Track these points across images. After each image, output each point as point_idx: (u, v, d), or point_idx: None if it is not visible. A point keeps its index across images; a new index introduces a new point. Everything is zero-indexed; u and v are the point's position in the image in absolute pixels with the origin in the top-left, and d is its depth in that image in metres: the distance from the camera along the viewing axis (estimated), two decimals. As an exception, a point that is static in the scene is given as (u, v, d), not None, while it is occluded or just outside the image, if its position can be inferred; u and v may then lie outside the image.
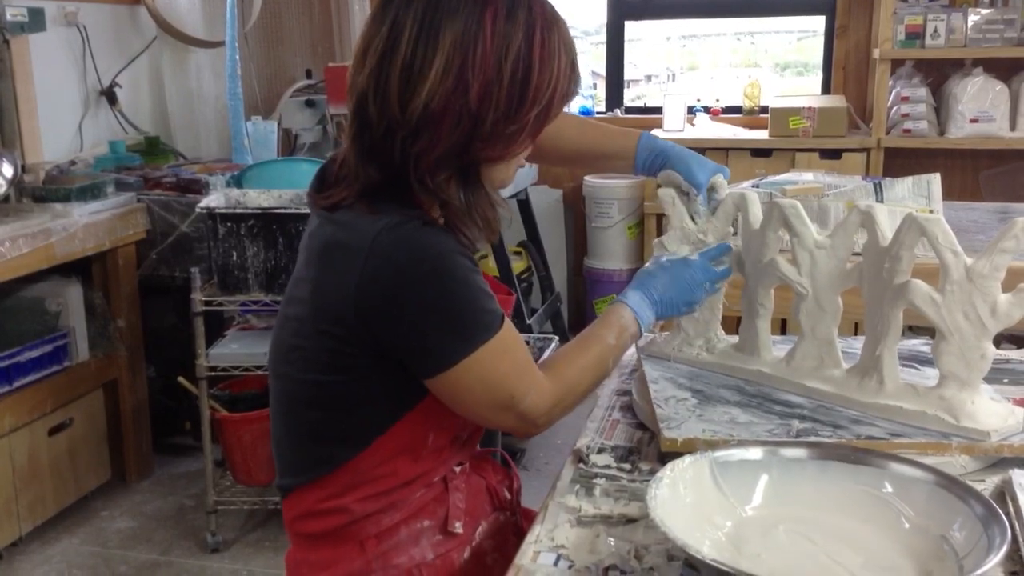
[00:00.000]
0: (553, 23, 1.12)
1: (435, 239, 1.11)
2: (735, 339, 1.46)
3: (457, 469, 1.28)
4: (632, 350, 1.46)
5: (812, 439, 1.19)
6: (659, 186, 1.47)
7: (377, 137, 1.12)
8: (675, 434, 1.23)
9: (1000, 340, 2.06)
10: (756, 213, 1.39)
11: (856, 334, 1.98)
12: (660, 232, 2.29)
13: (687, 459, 1.07)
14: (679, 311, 1.37)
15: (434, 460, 1.23)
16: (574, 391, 1.24)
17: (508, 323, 1.16)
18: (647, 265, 1.41)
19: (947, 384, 1.22)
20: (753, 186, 2.34)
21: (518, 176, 3.78)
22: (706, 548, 0.93)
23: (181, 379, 2.93)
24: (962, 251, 1.17)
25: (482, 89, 1.06)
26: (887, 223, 1.26)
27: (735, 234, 1.44)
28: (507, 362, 1.15)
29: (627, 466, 1.25)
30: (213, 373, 2.81)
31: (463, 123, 1.08)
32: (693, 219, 1.42)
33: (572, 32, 1.17)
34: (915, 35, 3.78)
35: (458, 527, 1.26)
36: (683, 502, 1.02)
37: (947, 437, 1.19)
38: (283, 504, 1.27)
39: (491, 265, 3.81)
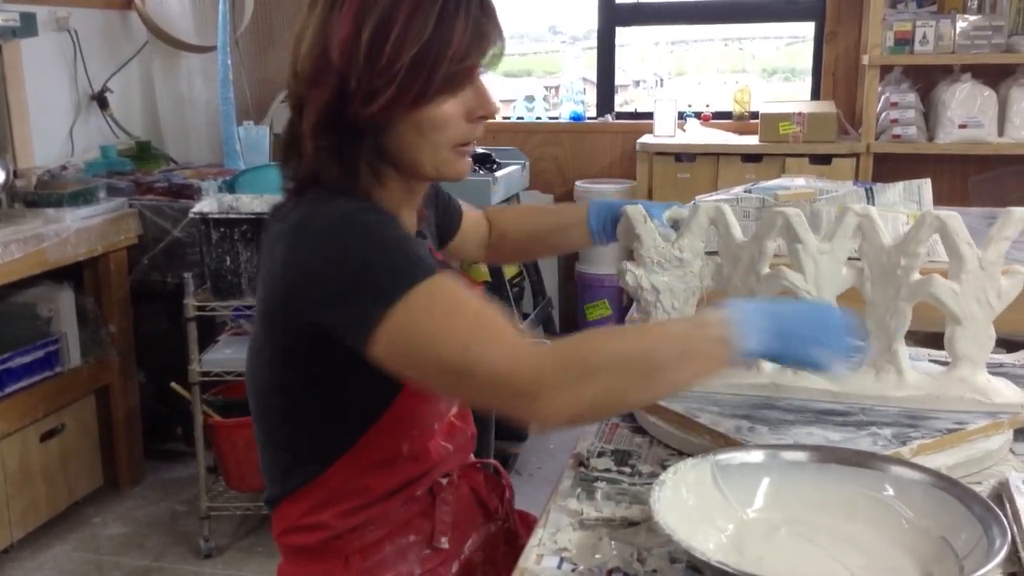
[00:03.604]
0: None
1: (338, 205, 1.08)
2: None
3: (444, 481, 1.27)
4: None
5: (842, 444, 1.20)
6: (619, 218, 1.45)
7: (292, 117, 1.15)
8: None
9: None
10: (735, 224, 1.39)
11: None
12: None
13: (688, 462, 1.08)
14: (803, 355, 1.06)
15: (414, 471, 1.21)
16: (587, 366, 0.98)
17: (447, 276, 1.04)
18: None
19: (962, 366, 1.30)
20: (745, 191, 2.36)
21: (509, 181, 3.81)
22: (708, 551, 0.93)
23: (174, 384, 2.92)
24: (974, 243, 1.27)
25: (341, 46, 1.07)
26: (882, 225, 1.31)
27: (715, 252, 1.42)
28: (445, 309, 1.00)
29: (627, 469, 1.26)
30: (206, 378, 2.80)
31: (330, 83, 1.08)
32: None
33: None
34: (904, 41, 3.80)
35: (444, 542, 1.24)
36: (685, 505, 1.03)
37: (993, 415, 1.26)
38: (273, 516, 1.26)
39: (483, 270, 3.82)
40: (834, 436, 1.21)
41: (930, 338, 1.51)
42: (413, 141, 1.11)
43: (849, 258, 1.34)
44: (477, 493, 1.34)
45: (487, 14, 1.10)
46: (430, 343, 0.99)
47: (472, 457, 1.38)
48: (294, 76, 1.12)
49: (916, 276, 1.29)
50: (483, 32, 1.09)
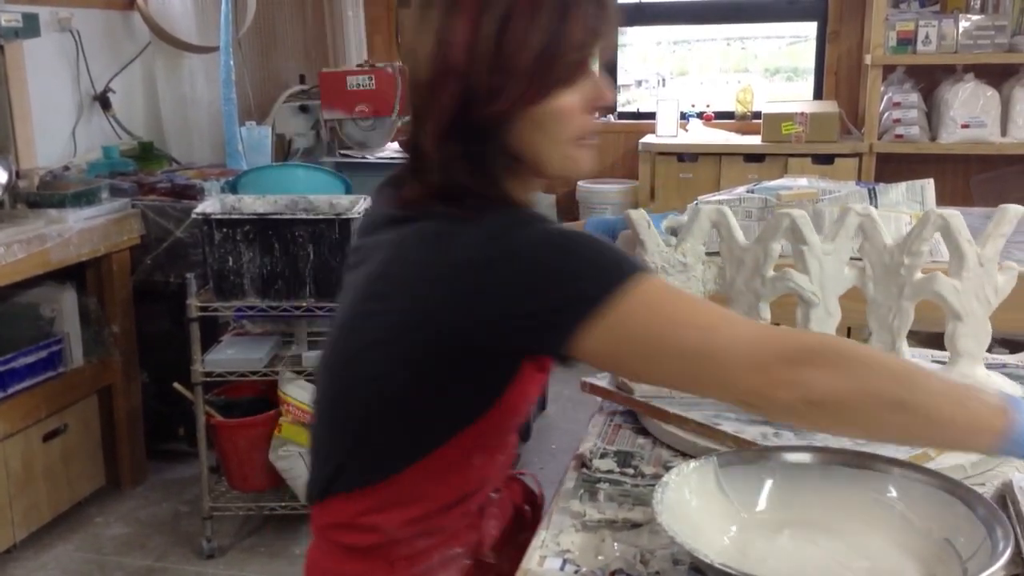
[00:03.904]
0: None
1: (504, 216, 1.06)
2: None
3: (494, 496, 1.26)
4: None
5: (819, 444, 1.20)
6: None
7: (414, 128, 1.13)
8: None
9: (993, 344, 2.08)
10: (737, 228, 1.38)
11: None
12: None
13: (692, 464, 1.08)
14: None
15: (474, 483, 1.19)
16: (840, 356, 0.93)
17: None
18: None
19: (962, 362, 1.32)
20: (747, 191, 2.36)
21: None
22: (712, 553, 0.93)
23: (177, 385, 2.92)
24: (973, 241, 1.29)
25: (464, 47, 1.05)
26: (883, 224, 1.33)
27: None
28: (673, 296, 1.00)
29: (630, 471, 1.26)
30: (208, 379, 2.80)
31: (454, 86, 1.06)
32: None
33: None
34: (907, 41, 3.80)
35: (490, 556, 1.23)
36: (688, 507, 1.03)
37: None
38: (317, 508, 1.22)
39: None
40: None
41: (932, 338, 1.52)
42: (535, 138, 1.09)
43: (851, 258, 1.34)
44: (516, 505, 1.33)
45: (602, 2, 1.09)
46: (665, 330, 0.97)
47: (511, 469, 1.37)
48: (414, 87, 1.11)
49: (919, 275, 1.30)
50: (602, 21, 1.08)
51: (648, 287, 0.98)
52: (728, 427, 1.27)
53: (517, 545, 1.30)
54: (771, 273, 1.35)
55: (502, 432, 1.19)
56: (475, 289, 1.02)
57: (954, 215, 1.29)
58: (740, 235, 1.37)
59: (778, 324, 1.35)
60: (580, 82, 1.09)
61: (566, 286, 0.99)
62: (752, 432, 1.25)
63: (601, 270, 0.99)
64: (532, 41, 1.04)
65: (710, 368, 0.96)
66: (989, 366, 1.48)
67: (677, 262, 1.38)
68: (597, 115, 1.13)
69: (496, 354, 1.06)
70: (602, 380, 1.45)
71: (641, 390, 1.37)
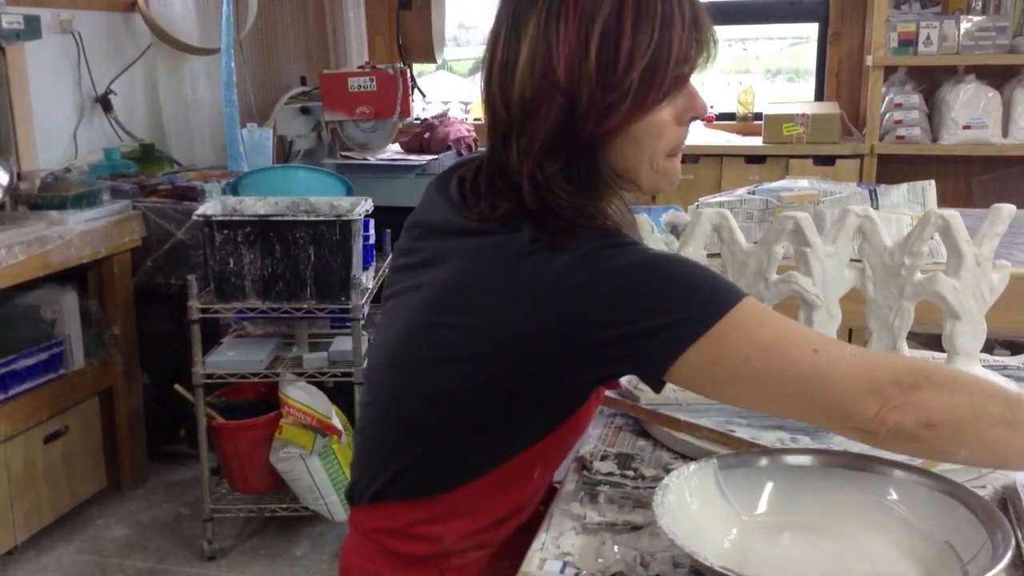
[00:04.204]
0: None
1: (619, 243, 1.04)
2: None
3: (543, 508, 1.24)
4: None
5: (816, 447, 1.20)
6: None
7: (497, 144, 1.09)
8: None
9: (994, 346, 2.08)
10: (739, 231, 1.37)
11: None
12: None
13: (692, 466, 1.08)
14: None
15: (531, 496, 1.19)
16: (949, 378, 0.96)
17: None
18: None
19: (960, 361, 1.33)
20: (749, 192, 2.35)
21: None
22: (712, 556, 0.93)
23: (178, 386, 2.93)
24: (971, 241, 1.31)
25: (568, 64, 1.03)
26: (882, 225, 1.34)
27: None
28: (774, 319, 1.00)
29: (630, 473, 1.25)
30: (209, 381, 2.80)
31: (557, 103, 1.03)
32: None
33: None
34: (908, 42, 3.80)
35: None
36: (689, 509, 1.03)
37: None
38: (363, 510, 1.20)
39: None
40: None
41: (934, 340, 1.51)
42: (632, 153, 1.08)
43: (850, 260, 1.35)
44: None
45: (701, 14, 1.07)
46: (772, 351, 0.97)
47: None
48: (505, 104, 1.07)
49: (919, 275, 1.31)
50: (701, 32, 1.07)
51: (749, 311, 0.98)
52: (743, 433, 1.26)
53: None
54: (775, 276, 1.35)
55: (564, 448, 1.18)
56: (569, 311, 1.00)
57: (954, 215, 1.30)
58: (742, 239, 1.37)
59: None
60: (677, 95, 1.08)
61: (667, 312, 0.98)
62: (768, 438, 1.24)
63: (702, 295, 0.98)
64: (639, 56, 1.03)
65: (820, 392, 0.95)
66: (990, 367, 1.48)
67: None
68: (688, 125, 1.12)
69: (582, 378, 1.06)
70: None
71: (647, 397, 1.37)
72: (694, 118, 1.11)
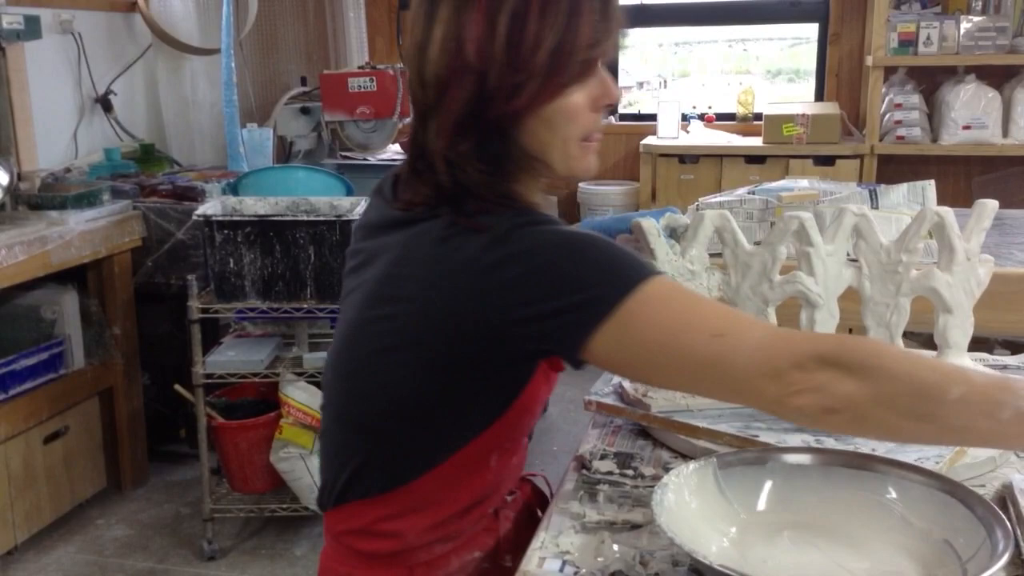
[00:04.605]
0: None
1: (533, 221, 1.05)
2: None
3: (509, 499, 1.26)
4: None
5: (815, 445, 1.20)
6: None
7: (418, 126, 1.11)
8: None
9: (994, 346, 2.08)
10: (739, 232, 1.37)
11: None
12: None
13: (691, 465, 1.08)
14: None
15: (490, 486, 1.18)
16: (861, 360, 0.91)
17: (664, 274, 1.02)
18: None
19: (951, 354, 1.36)
20: (749, 192, 2.35)
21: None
22: (711, 554, 0.93)
23: (178, 386, 2.93)
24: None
25: (477, 45, 1.05)
26: (878, 225, 1.35)
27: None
28: (684, 300, 0.99)
29: (630, 472, 1.25)
30: (209, 380, 2.80)
31: (467, 83, 1.06)
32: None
33: None
34: (908, 42, 3.80)
35: (508, 560, 1.22)
36: (688, 508, 1.03)
37: None
38: (331, 513, 1.21)
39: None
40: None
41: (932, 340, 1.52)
42: (544, 136, 1.09)
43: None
44: (529, 507, 1.32)
45: (609, 2, 1.09)
46: (675, 336, 0.96)
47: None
48: (421, 85, 1.10)
49: (915, 272, 1.33)
50: (610, 17, 1.09)
51: (660, 290, 0.98)
52: (767, 438, 1.25)
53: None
54: (779, 277, 1.35)
55: (516, 434, 1.18)
56: (488, 290, 1.01)
57: (947, 212, 1.33)
58: (744, 240, 1.37)
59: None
60: (589, 80, 1.09)
61: (579, 289, 0.98)
62: (793, 440, 1.24)
63: (614, 273, 0.99)
64: (546, 38, 1.04)
65: (722, 375, 0.95)
66: (990, 367, 1.48)
67: (686, 270, 1.35)
68: (603, 114, 1.13)
69: (510, 357, 1.06)
70: (607, 397, 1.43)
71: (658, 405, 1.36)
72: (608, 105, 1.12)
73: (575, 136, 1.10)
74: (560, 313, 0.98)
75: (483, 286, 1.01)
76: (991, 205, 1.36)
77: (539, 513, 1.32)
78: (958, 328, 1.36)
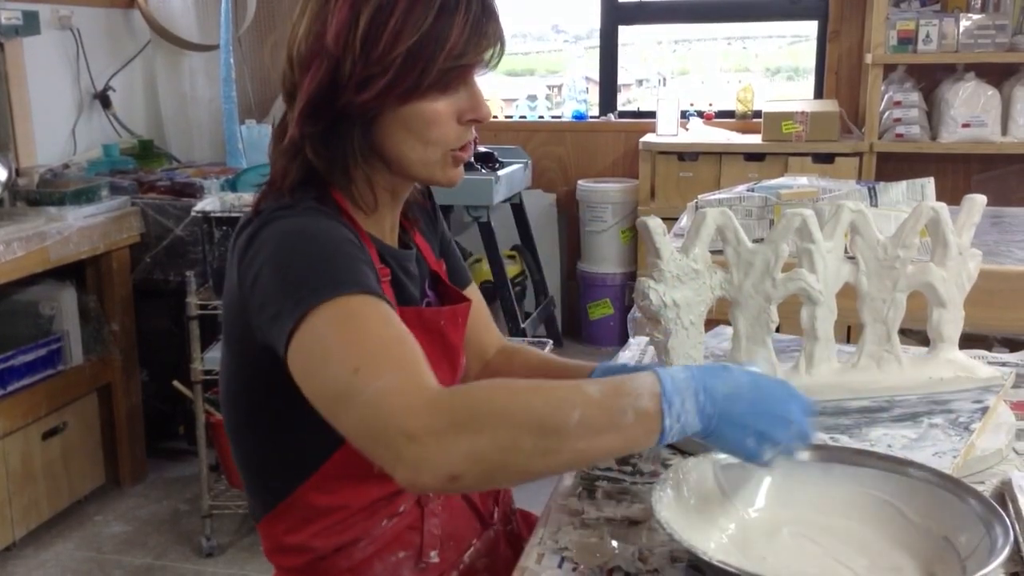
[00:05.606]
0: None
1: (288, 212, 1.06)
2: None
3: (431, 494, 1.22)
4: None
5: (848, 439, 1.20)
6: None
7: (288, 104, 1.14)
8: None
9: (993, 343, 2.08)
10: (741, 230, 1.36)
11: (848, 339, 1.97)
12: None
13: (690, 461, 1.08)
14: (739, 443, 0.96)
15: (391, 485, 1.11)
16: (474, 416, 0.87)
17: (378, 301, 0.97)
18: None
19: (944, 348, 1.37)
20: (748, 190, 2.35)
21: (511, 180, 3.80)
22: (710, 550, 0.93)
23: (176, 383, 2.92)
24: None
25: (337, 32, 1.06)
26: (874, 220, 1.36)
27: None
28: (353, 327, 0.93)
29: (628, 468, 1.25)
30: (208, 377, 2.80)
31: (323, 67, 1.07)
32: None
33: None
34: (907, 40, 3.80)
35: (433, 556, 1.20)
36: (687, 504, 1.03)
37: (987, 389, 1.33)
38: (260, 534, 1.22)
39: (485, 269, 3.82)
40: (909, 434, 1.22)
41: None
42: (401, 136, 1.10)
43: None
44: (470, 500, 1.28)
45: (488, 14, 1.09)
46: (324, 358, 0.92)
47: None
48: (288, 62, 1.12)
49: (911, 268, 1.34)
50: (482, 32, 1.08)
51: (337, 310, 0.94)
52: None
53: (489, 541, 1.29)
54: (781, 274, 1.34)
55: None
56: (242, 277, 1.04)
57: (942, 207, 1.34)
58: (746, 238, 1.36)
59: (778, 329, 1.35)
60: (456, 91, 1.09)
61: (286, 289, 0.98)
62: (820, 436, 1.23)
63: (311, 282, 0.97)
64: (403, 38, 1.05)
65: (348, 413, 0.90)
66: (990, 364, 1.48)
67: (690, 270, 1.33)
68: (473, 128, 1.13)
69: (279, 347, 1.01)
70: None
71: None
72: (475, 121, 1.12)
73: (436, 143, 1.11)
74: (271, 309, 0.99)
75: (239, 273, 1.05)
76: (980, 200, 1.38)
77: (476, 503, 1.27)
78: (951, 322, 1.38)
